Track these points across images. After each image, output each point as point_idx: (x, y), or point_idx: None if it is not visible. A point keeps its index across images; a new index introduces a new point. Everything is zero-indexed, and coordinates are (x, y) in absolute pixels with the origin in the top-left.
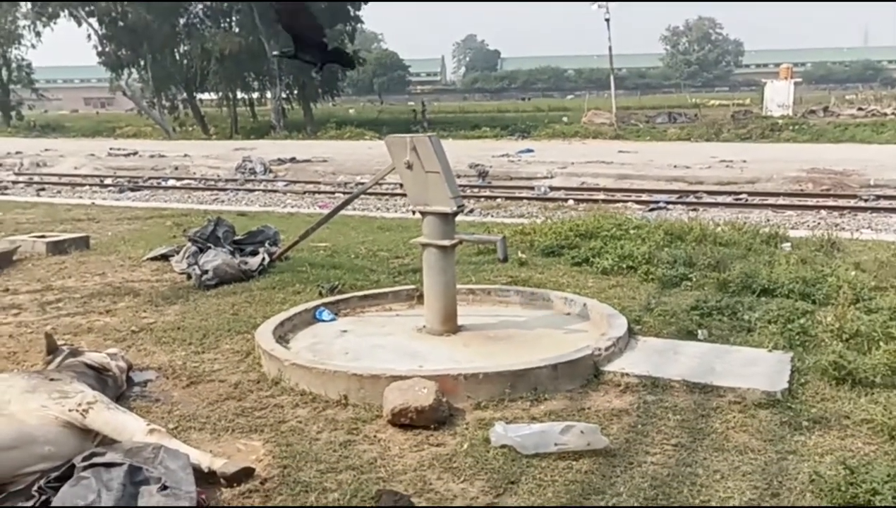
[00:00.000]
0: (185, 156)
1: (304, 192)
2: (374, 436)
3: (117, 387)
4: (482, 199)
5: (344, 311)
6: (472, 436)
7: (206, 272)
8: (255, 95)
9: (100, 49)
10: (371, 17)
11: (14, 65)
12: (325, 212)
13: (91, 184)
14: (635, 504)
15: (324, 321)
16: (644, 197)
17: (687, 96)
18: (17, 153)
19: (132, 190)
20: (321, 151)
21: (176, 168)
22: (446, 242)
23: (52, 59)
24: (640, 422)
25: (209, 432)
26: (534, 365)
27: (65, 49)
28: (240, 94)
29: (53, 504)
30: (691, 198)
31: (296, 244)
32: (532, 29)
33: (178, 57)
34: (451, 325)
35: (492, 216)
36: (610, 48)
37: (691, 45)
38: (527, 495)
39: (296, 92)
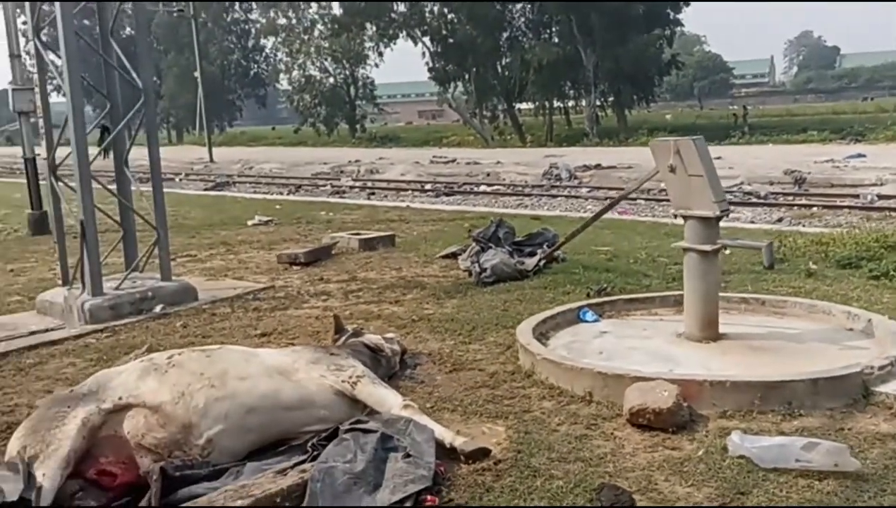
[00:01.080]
0: (498, 163)
1: (606, 198)
2: (611, 433)
3: (389, 367)
4: (795, 208)
5: (608, 313)
6: (709, 443)
7: (484, 270)
8: (571, 103)
9: (430, 65)
10: (693, 19)
11: (360, 83)
12: (624, 218)
13: (413, 190)
14: None
15: (587, 321)
16: None
17: None
18: (356, 161)
19: (446, 194)
20: (629, 158)
21: (488, 174)
22: (707, 247)
23: (392, 76)
24: None
25: (460, 414)
26: (789, 378)
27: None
28: (556, 103)
29: (320, 459)
30: None
31: (561, 245)
32: (880, 23)
33: (499, 69)
34: (710, 332)
35: (803, 225)
36: None
37: None
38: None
39: (610, 99)
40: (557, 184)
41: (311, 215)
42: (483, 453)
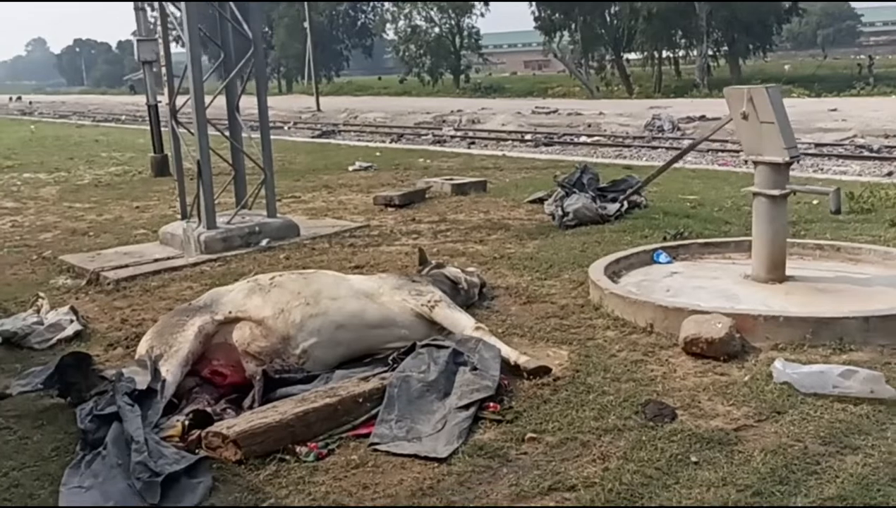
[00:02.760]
0: (600, 114)
1: (707, 150)
2: (666, 360)
3: (467, 297)
4: None
5: (682, 256)
6: (756, 371)
7: (567, 214)
8: (681, 53)
9: (536, 14)
10: None
11: (465, 32)
12: (718, 169)
13: (512, 139)
14: None
15: (660, 263)
16: None
17: None
18: (459, 111)
19: (545, 144)
20: None
21: (589, 125)
22: (776, 192)
23: (498, 25)
24: None
25: (528, 338)
26: (842, 315)
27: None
28: (665, 53)
29: (398, 369)
30: None
31: (638, 189)
32: None
33: (607, 18)
34: (776, 274)
35: None
36: None
37: None
38: (787, 425)
39: (724, 49)
40: (659, 135)
41: (410, 162)
42: (544, 370)
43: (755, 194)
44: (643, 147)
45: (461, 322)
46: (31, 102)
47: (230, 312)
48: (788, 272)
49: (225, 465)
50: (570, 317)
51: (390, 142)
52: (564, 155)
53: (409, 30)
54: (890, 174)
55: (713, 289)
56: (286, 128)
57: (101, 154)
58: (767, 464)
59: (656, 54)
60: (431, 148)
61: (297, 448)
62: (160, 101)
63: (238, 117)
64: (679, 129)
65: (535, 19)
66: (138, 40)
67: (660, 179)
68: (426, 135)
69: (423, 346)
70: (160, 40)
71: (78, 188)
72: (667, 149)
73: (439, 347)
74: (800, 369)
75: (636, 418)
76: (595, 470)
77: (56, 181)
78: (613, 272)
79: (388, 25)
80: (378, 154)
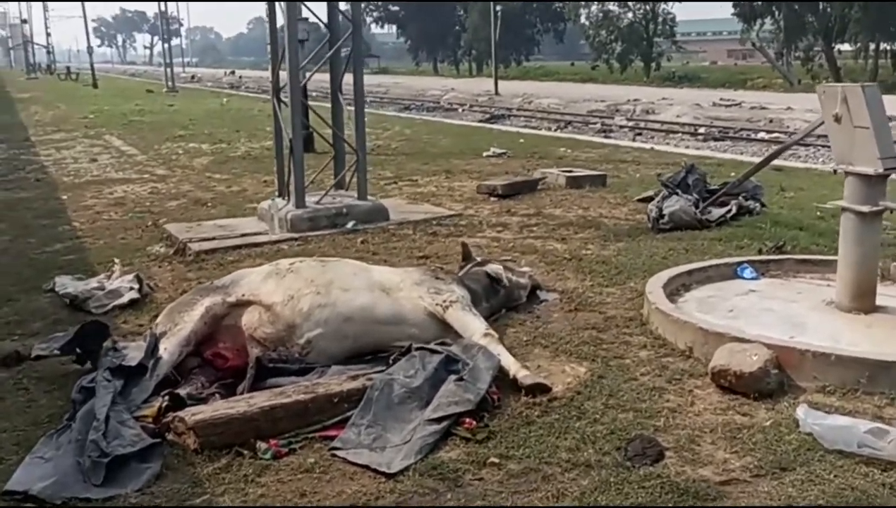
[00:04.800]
0: (788, 109)
1: None
2: (689, 391)
3: (509, 299)
4: None
5: (773, 272)
6: (786, 416)
7: (662, 216)
8: None
9: (734, 1)
10: None
11: (660, 19)
12: None
13: (683, 132)
14: None
15: (743, 278)
16: None
17: None
18: (635, 101)
19: (715, 139)
20: None
21: (770, 120)
22: (865, 208)
23: (701, 13)
24: None
25: (551, 351)
26: None
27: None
28: (883, 45)
29: (386, 371)
30: None
31: (719, 197)
32: None
33: (819, 5)
34: (863, 303)
35: None
36: None
37: None
38: (787, 486)
39: None
40: None
41: (549, 151)
42: (542, 388)
43: (843, 209)
44: (825, 146)
45: (471, 326)
46: (240, 77)
47: (243, 295)
48: (881, 302)
49: (185, 453)
50: (610, 331)
51: (556, 130)
52: (730, 152)
53: (600, 14)
54: None
55: (783, 314)
56: (460, 110)
57: (266, 128)
58: None
59: (872, 46)
60: (588, 138)
61: (258, 444)
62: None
63: (340, 97)
64: None
65: (734, 5)
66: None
67: (800, 184)
68: (595, 124)
69: (418, 349)
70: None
71: (227, 159)
72: None
73: (433, 352)
74: (824, 420)
75: (616, 455)
76: None
77: (213, 152)
78: (682, 285)
79: (581, 10)
80: (521, 141)
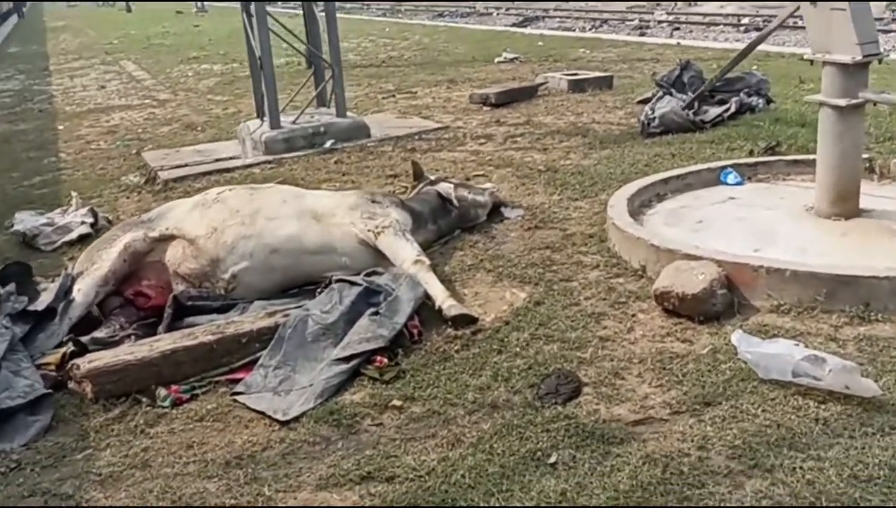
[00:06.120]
0: None
1: None
2: (632, 316)
3: (464, 218)
4: None
5: (761, 176)
6: (727, 342)
7: (653, 119)
8: None
9: None
10: None
11: None
12: None
13: (724, 24)
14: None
15: (727, 184)
16: None
17: None
18: None
19: (758, 29)
20: None
21: None
22: (842, 102)
23: None
24: None
25: (495, 275)
26: (868, 273)
27: None
28: None
29: (304, 306)
30: None
31: (698, 94)
32: None
33: None
34: (843, 208)
35: None
36: None
37: None
38: (706, 423)
39: None
40: None
41: (566, 52)
42: (467, 320)
43: (821, 104)
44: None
45: (402, 253)
46: None
47: (167, 229)
48: (870, 204)
49: (82, 403)
50: (565, 251)
51: (590, 30)
52: (773, 44)
53: None
54: None
55: (755, 224)
56: (495, 14)
57: (281, 45)
58: (633, 480)
59: None
60: (608, 36)
61: (158, 391)
62: None
63: (315, 8)
64: None
65: None
66: None
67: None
68: (633, 20)
69: (337, 281)
70: None
71: (234, 80)
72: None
73: (352, 284)
74: (758, 346)
75: (528, 393)
76: (432, 459)
77: (222, 73)
78: (657, 195)
79: None
80: (540, 43)
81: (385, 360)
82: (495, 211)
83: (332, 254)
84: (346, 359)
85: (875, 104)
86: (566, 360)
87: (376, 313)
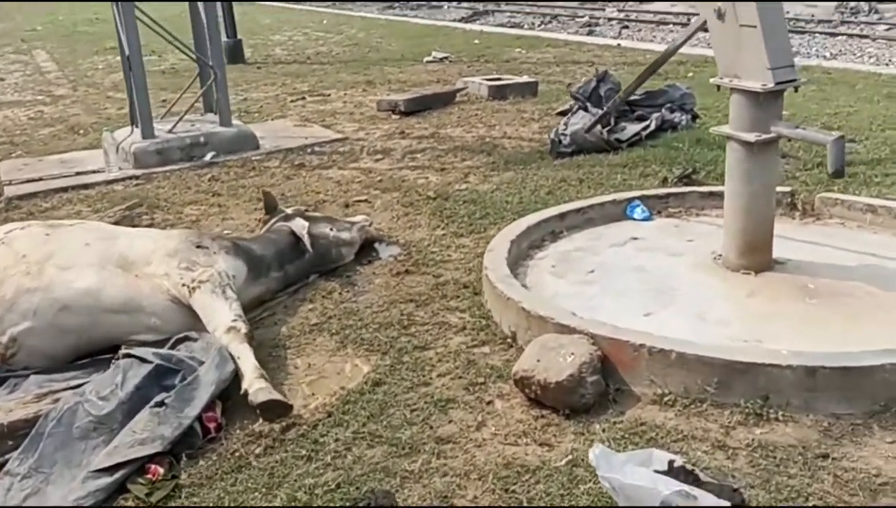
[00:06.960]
0: None
1: None
2: (488, 403)
3: (324, 260)
4: None
5: (672, 209)
6: (585, 451)
7: (564, 137)
8: None
9: None
10: None
11: None
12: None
13: (674, 23)
14: None
15: (633, 219)
16: None
17: None
18: None
19: (704, 29)
20: None
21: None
22: (751, 136)
23: None
24: None
25: (339, 339)
26: (768, 360)
27: None
28: None
29: (78, 390)
30: None
31: (602, 116)
32: None
33: None
34: (752, 260)
35: None
36: None
37: None
38: None
39: None
40: (851, 19)
41: (501, 52)
42: (279, 408)
43: (728, 138)
44: (823, 33)
45: (216, 317)
46: None
47: None
48: (786, 253)
49: None
50: (430, 306)
51: (537, 27)
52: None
53: None
54: None
55: (653, 276)
56: (446, 7)
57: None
58: None
59: None
60: (549, 35)
61: None
62: None
63: (199, 7)
64: (877, 11)
65: None
66: None
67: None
68: (583, 17)
69: (124, 355)
70: None
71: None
72: (848, 36)
73: (141, 360)
74: (619, 470)
75: None
76: None
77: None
78: (552, 232)
79: None
80: (476, 41)
81: (160, 471)
82: (368, 247)
83: (137, 314)
84: (110, 470)
85: (789, 140)
86: (388, 474)
87: (162, 403)
